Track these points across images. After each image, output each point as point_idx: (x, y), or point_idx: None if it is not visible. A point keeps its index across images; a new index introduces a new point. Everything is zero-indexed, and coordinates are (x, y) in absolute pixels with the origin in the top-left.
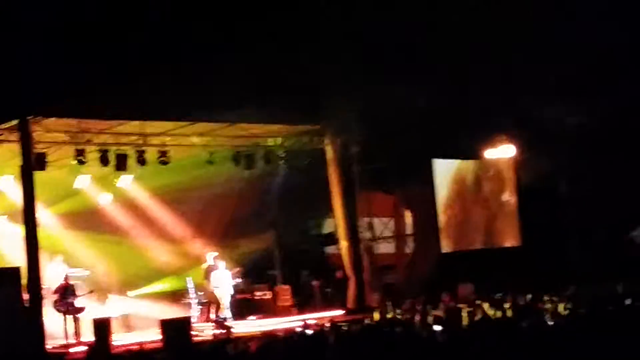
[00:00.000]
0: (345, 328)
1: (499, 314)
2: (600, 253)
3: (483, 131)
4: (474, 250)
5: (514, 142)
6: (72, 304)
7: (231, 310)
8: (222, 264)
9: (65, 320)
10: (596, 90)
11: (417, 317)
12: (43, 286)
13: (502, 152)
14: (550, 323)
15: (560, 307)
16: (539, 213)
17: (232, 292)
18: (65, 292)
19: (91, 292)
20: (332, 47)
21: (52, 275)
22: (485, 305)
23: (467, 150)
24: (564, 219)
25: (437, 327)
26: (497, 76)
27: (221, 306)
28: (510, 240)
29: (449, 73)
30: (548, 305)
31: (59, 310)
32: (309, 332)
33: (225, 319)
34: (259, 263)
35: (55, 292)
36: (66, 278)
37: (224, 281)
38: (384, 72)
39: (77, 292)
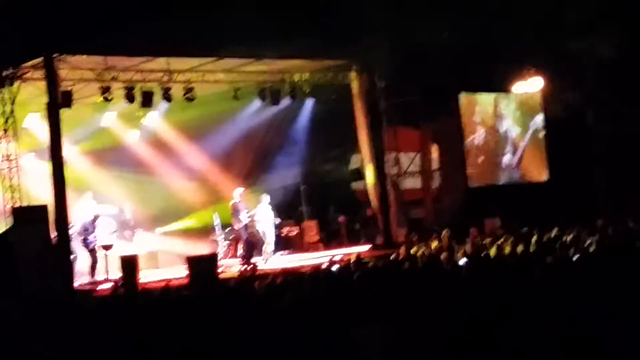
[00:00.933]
0: (371, 264)
1: (524, 248)
2: (628, 186)
3: (511, 64)
4: (501, 184)
5: (542, 74)
6: (99, 242)
7: (274, 246)
8: (266, 199)
9: (92, 257)
10: (625, 21)
11: (443, 252)
12: (71, 223)
13: (531, 85)
14: (576, 257)
15: (586, 242)
16: (567, 147)
17: (274, 226)
18: (93, 230)
19: (115, 231)
20: None
21: (80, 213)
22: (511, 240)
23: (495, 83)
24: (592, 153)
25: (462, 262)
26: (525, 8)
27: (265, 242)
28: (538, 174)
29: (477, 5)
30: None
31: (87, 248)
32: (335, 268)
33: (249, 255)
34: (285, 199)
35: (84, 229)
36: (95, 215)
37: (267, 216)
38: (411, 5)
39: (105, 230)
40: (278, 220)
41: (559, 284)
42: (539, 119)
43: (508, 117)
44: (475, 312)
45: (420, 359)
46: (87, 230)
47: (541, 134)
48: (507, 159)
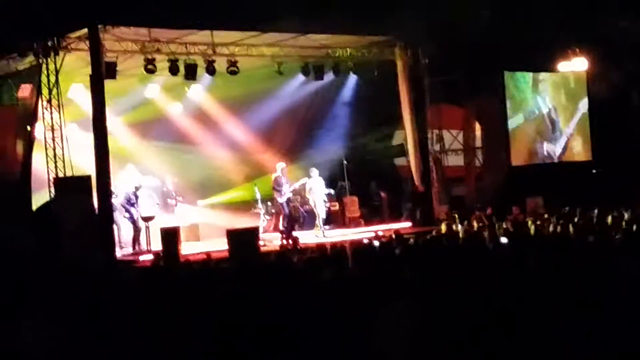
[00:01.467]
0: (412, 240)
1: (565, 227)
2: None
3: (556, 44)
4: (544, 163)
5: (586, 54)
6: (142, 213)
7: (324, 220)
8: (315, 172)
9: (134, 228)
10: None
11: (485, 230)
12: (114, 194)
13: (575, 65)
14: (617, 237)
15: (629, 223)
16: (611, 127)
17: (325, 201)
18: (136, 200)
19: (157, 203)
20: None
21: (123, 184)
22: (554, 219)
23: (539, 63)
24: (636, 133)
25: (504, 240)
26: None
27: (317, 214)
28: (581, 154)
29: None
30: (616, 221)
31: (129, 219)
32: (376, 243)
33: (291, 229)
34: (327, 174)
35: (127, 200)
36: (136, 186)
37: (319, 189)
38: None
39: (147, 201)
40: (331, 191)
41: (600, 264)
42: (584, 103)
43: (551, 99)
44: (515, 291)
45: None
46: (129, 201)
47: (585, 115)
48: (549, 147)
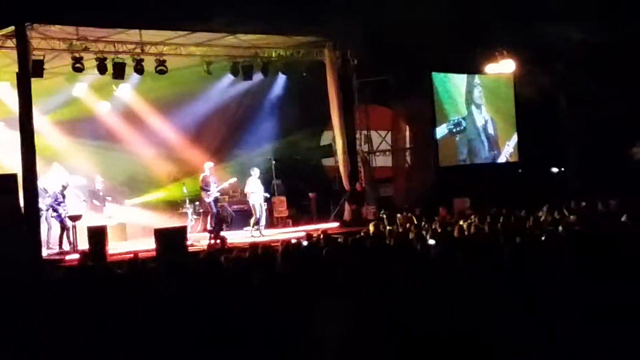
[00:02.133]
0: (340, 240)
1: (492, 228)
2: (597, 169)
3: (484, 46)
4: (472, 164)
5: (514, 57)
6: (68, 212)
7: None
8: (255, 172)
9: (61, 227)
10: (599, 7)
11: (412, 230)
12: (47, 193)
13: (503, 67)
14: (543, 238)
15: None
16: (538, 129)
17: (263, 200)
18: (63, 199)
19: (84, 200)
20: None
21: (50, 182)
22: (479, 220)
23: (468, 64)
24: (563, 135)
25: (432, 242)
26: None
27: (255, 215)
28: (508, 154)
29: None
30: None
31: (57, 218)
32: (304, 243)
33: (219, 229)
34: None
35: (54, 199)
36: (62, 185)
37: (257, 189)
38: None
39: (74, 200)
40: (267, 195)
41: (527, 265)
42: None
43: (488, 108)
44: (442, 292)
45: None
46: (57, 200)
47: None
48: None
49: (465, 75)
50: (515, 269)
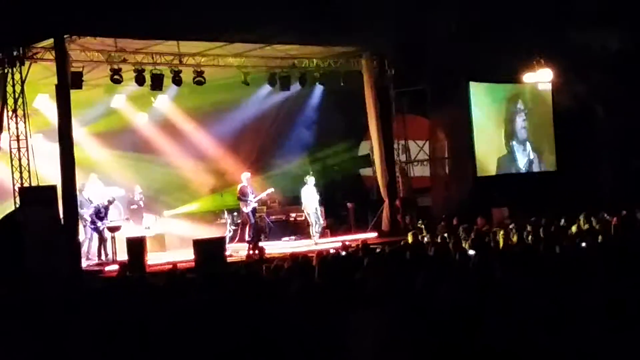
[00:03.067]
0: (378, 250)
1: (531, 237)
2: (634, 180)
3: (521, 55)
4: (510, 174)
5: (552, 66)
6: (103, 225)
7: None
8: (310, 180)
9: (99, 239)
10: (636, 14)
11: (451, 240)
12: (91, 203)
13: (540, 76)
14: (583, 245)
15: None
16: (575, 138)
17: (318, 208)
18: (106, 213)
19: (127, 219)
20: None
21: (94, 194)
22: (519, 229)
23: (505, 74)
24: (599, 145)
25: (471, 252)
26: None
27: (311, 224)
28: (546, 164)
29: None
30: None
31: (96, 230)
32: (342, 253)
33: (257, 240)
34: (293, 184)
35: (96, 212)
36: (109, 201)
37: (312, 197)
38: None
39: (114, 212)
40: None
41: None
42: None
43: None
44: (480, 303)
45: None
46: (98, 214)
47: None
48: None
49: (501, 84)
50: (555, 279)
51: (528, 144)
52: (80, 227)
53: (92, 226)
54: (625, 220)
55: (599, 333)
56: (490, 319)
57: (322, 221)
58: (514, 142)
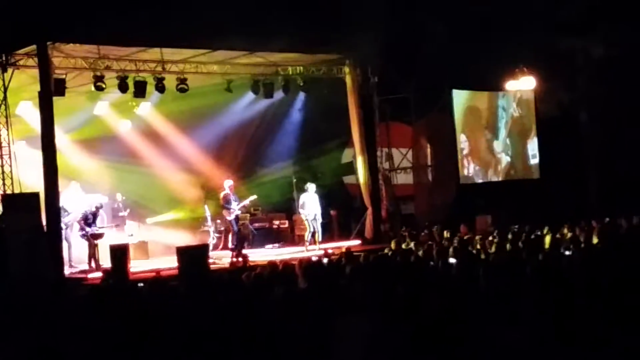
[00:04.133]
0: (362, 258)
1: (513, 245)
2: (619, 185)
3: (504, 62)
4: (493, 182)
5: (535, 73)
6: (91, 231)
7: (315, 235)
8: (311, 187)
9: (90, 245)
10: (618, 20)
11: (434, 248)
12: (65, 212)
13: (523, 83)
14: (568, 253)
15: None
16: (559, 145)
17: (320, 215)
18: (94, 220)
19: (117, 225)
20: None
21: (68, 201)
22: (501, 237)
23: (488, 81)
24: (584, 152)
25: (452, 260)
26: (518, 6)
27: (307, 229)
28: (529, 171)
29: (470, 3)
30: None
31: (82, 237)
32: (325, 260)
33: (240, 247)
34: (277, 191)
35: (84, 218)
36: (97, 207)
37: (312, 205)
38: (404, 1)
39: (97, 219)
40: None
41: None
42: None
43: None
44: (464, 309)
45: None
46: (86, 220)
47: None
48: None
49: (484, 92)
50: (537, 287)
51: (511, 151)
52: None
53: (81, 232)
54: (608, 227)
55: (585, 340)
56: (473, 325)
57: (320, 228)
58: (497, 149)
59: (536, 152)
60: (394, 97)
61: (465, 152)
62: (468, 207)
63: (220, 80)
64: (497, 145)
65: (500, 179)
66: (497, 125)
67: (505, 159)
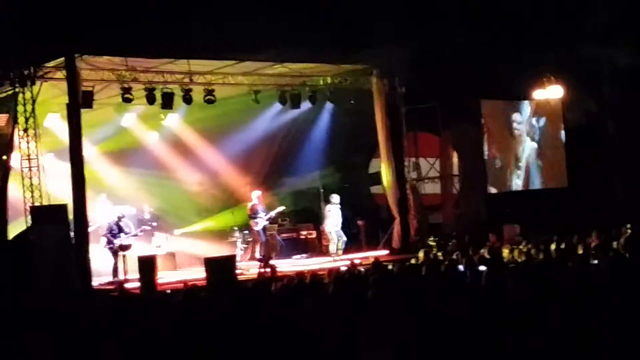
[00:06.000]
0: (390, 267)
1: (543, 254)
2: None
3: (531, 72)
4: (522, 191)
5: (562, 82)
6: (119, 242)
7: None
8: (335, 198)
9: (115, 257)
10: None
11: (462, 258)
12: (90, 223)
13: (550, 92)
14: (595, 262)
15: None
16: (586, 154)
17: (340, 225)
18: (118, 231)
19: (142, 231)
20: None
21: (101, 213)
22: (530, 246)
23: (515, 91)
24: (611, 160)
25: (482, 268)
26: (546, 16)
27: (332, 240)
28: (557, 181)
29: (497, 12)
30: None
31: (110, 249)
32: (353, 271)
33: (268, 258)
34: (304, 202)
35: (109, 230)
36: (119, 217)
37: (335, 216)
38: (432, 10)
39: (125, 230)
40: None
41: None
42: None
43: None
44: (493, 319)
45: None
46: (112, 231)
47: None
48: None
49: (512, 101)
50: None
51: (539, 160)
52: None
53: (108, 246)
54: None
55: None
56: (502, 335)
57: (344, 237)
58: (525, 159)
59: (564, 160)
60: (421, 107)
61: (494, 162)
62: (496, 216)
63: (248, 92)
64: (523, 154)
65: (527, 188)
66: (523, 136)
67: (532, 167)
